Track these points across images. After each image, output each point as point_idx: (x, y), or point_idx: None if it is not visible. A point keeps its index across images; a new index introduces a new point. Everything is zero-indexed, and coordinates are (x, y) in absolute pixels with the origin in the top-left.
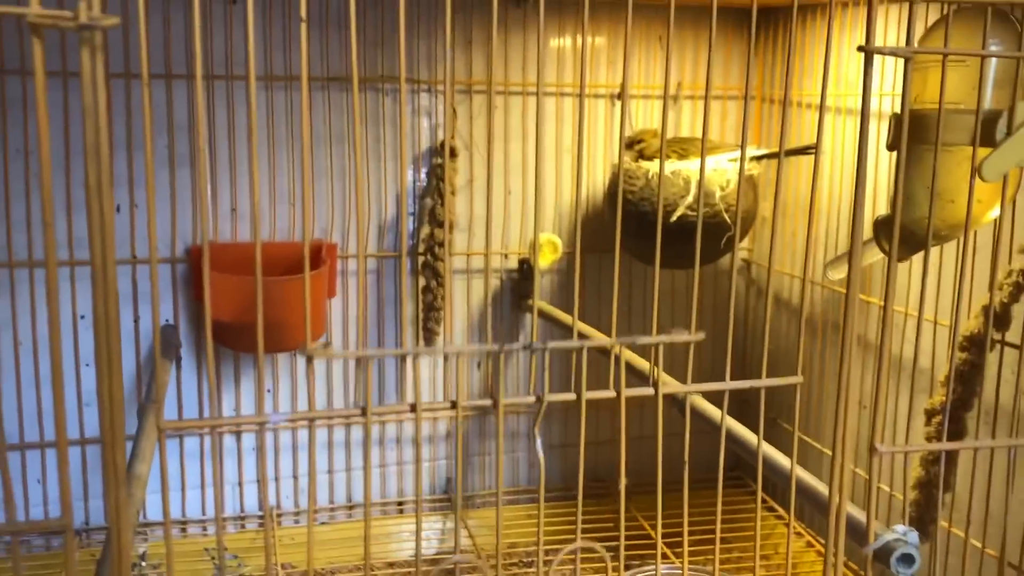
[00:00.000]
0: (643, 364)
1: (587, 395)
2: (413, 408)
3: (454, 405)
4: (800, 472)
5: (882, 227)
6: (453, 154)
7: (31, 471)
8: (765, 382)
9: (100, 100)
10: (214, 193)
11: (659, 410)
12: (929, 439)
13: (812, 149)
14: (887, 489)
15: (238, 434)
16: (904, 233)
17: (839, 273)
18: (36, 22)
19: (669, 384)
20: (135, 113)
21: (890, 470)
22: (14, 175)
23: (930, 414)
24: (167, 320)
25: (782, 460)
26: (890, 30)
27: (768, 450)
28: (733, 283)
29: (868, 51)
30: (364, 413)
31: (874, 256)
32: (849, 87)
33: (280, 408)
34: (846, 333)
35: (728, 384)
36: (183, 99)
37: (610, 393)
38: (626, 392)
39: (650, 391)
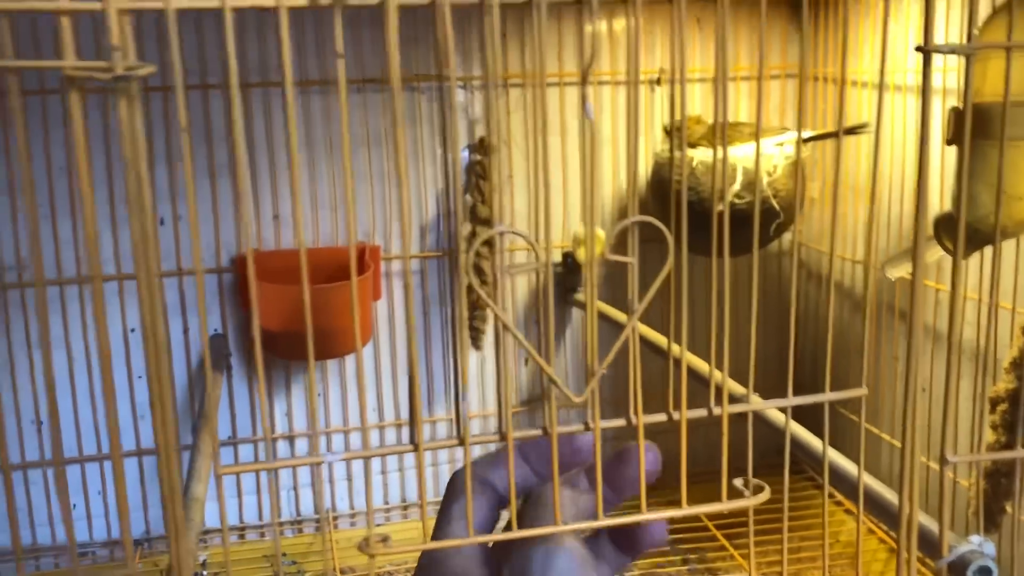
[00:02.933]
0: (700, 365)
1: (644, 419)
2: (462, 442)
3: (503, 437)
4: (868, 479)
5: (942, 224)
6: (491, 151)
7: (92, 484)
8: (829, 396)
9: (139, 151)
10: (255, 201)
11: (724, 432)
12: (995, 427)
13: (860, 129)
14: (949, 475)
15: (291, 439)
16: (967, 231)
17: (898, 272)
18: (73, 75)
19: (731, 399)
20: (173, 125)
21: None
22: (59, 193)
23: (995, 402)
24: (215, 330)
25: (848, 466)
26: (946, 14)
27: (833, 456)
28: (794, 291)
29: (927, 51)
30: (417, 449)
31: (935, 255)
32: (897, 63)
33: (331, 415)
34: (912, 344)
35: (791, 400)
36: (220, 108)
37: (661, 417)
38: (688, 414)
39: (705, 412)
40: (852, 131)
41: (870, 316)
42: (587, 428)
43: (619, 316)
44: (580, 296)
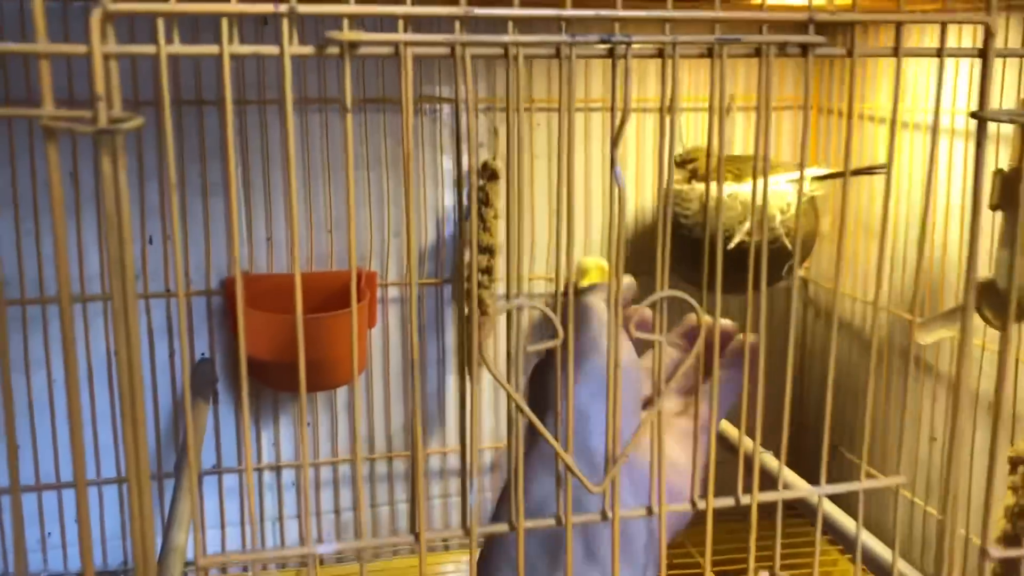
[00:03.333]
0: (728, 430)
1: (667, 508)
2: (468, 532)
3: (513, 527)
4: (902, 566)
5: (983, 293)
6: (495, 176)
7: (68, 511)
8: (864, 485)
9: (123, 208)
10: (248, 222)
11: (752, 526)
12: (1015, 489)
13: (878, 170)
14: (962, 531)
15: (278, 469)
16: (1004, 301)
17: (931, 337)
18: (50, 125)
19: (762, 487)
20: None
21: (966, 512)
22: (43, 209)
23: (1015, 462)
24: (203, 354)
25: (881, 550)
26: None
27: (867, 540)
28: (831, 374)
29: (982, 118)
30: (417, 539)
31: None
32: (917, 100)
33: (320, 446)
34: (955, 438)
35: (824, 489)
36: (215, 125)
37: (686, 507)
38: (714, 503)
39: (732, 502)
40: (870, 171)
41: (901, 395)
42: (604, 517)
43: None
44: None
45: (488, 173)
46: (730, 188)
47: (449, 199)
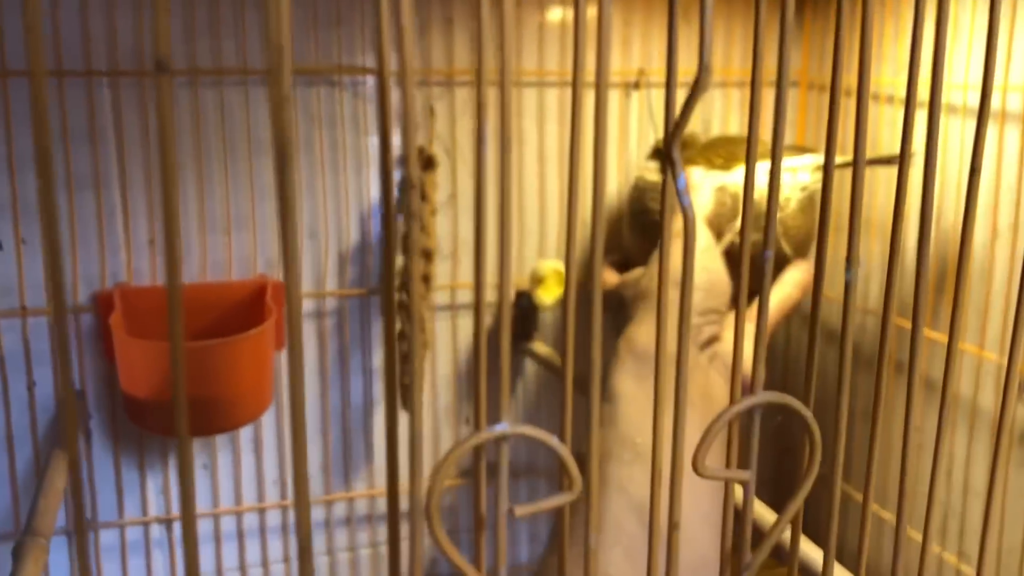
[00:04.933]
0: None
1: None
2: None
3: None
4: None
5: None
6: (431, 164)
7: None
8: None
9: None
10: (125, 221)
11: None
12: None
13: (895, 161)
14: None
15: (168, 523)
16: None
17: None
18: None
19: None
20: (17, 121)
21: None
22: None
23: None
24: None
25: None
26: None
27: None
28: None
29: None
30: None
31: None
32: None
33: (221, 492)
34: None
35: None
36: (79, 100)
37: None
38: None
39: None
40: (887, 161)
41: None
42: None
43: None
44: (535, 346)
45: (423, 160)
46: (717, 178)
47: (376, 191)
